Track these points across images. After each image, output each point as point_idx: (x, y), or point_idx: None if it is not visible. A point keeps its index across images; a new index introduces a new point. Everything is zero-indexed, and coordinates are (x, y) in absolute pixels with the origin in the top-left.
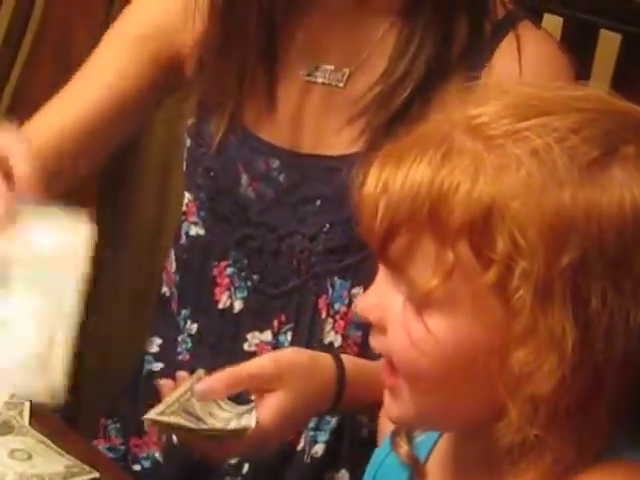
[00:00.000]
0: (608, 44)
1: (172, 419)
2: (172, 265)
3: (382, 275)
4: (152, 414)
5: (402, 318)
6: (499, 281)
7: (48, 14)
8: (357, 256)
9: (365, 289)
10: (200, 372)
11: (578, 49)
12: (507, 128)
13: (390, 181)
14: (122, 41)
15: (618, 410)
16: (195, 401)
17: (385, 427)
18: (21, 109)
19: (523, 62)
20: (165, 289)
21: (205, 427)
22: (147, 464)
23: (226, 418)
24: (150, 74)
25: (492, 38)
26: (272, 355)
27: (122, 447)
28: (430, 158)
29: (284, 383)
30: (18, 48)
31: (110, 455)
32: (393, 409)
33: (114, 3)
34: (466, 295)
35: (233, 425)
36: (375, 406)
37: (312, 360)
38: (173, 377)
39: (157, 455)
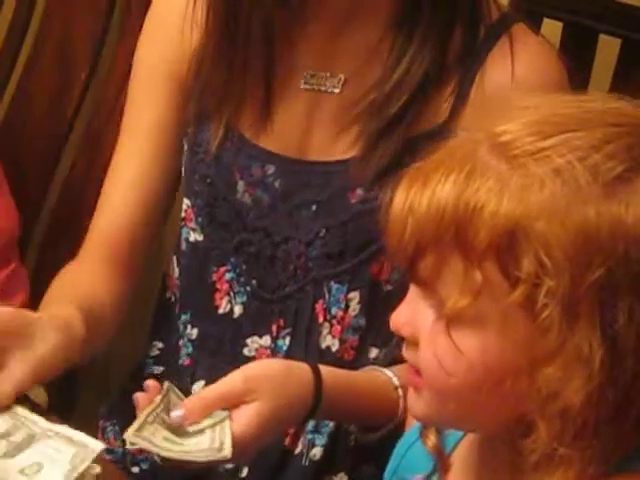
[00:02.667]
0: (607, 49)
1: (147, 442)
2: (174, 270)
3: (413, 291)
4: (130, 433)
5: (434, 334)
6: (526, 300)
7: (49, 15)
8: (353, 261)
9: (361, 293)
10: (167, 384)
11: (577, 54)
12: (529, 147)
13: (416, 203)
14: (148, 86)
15: None
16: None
17: (410, 420)
18: (22, 110)
19: (515, 66)
20: (169, 294)
21: (177, 456)
22: (145, 466)
23: (202, 428)
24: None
25: (485, 42)
26: (244, 370)
27: (120, 449)
28: (455, 178)
29: (259, 395)
30: (19, 49)
31: (108, 457)
32: (416, 408)
33: (115, 5)
34: (494, 314)
35: (207, 455)
36: (352, 417)
37: (287, 369)
38: (171, 380)
39: (155, 457)
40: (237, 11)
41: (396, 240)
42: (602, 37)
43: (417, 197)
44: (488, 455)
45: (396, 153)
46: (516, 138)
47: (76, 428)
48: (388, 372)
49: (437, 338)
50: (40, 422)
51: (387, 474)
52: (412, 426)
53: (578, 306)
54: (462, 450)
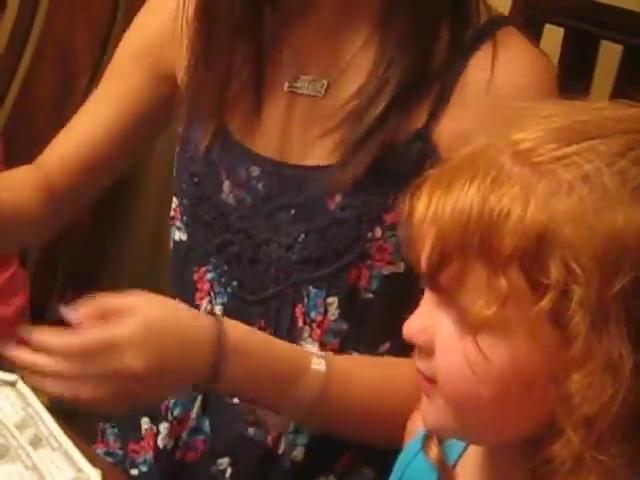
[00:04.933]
0: (609, 55)
1: None
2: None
3: (428, 298)
4: None
5: (454, 343)
6: (554, 307)
7: (51, 18)
8: (331, 267)
9: (339, 299)
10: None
11: (579, 60)
12: (554, 154)
13: (439, 209)
14: (122, 62)
15: None
16: None
17: (411, 429)
18: (24, 113)
19: (496, 71)
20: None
21: None
22: (144, 468)
23: None
24: (152, 89)
25: (470, 46)
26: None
27: (120, 452)
28: (479, 184)
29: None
30: (21, 52)
31: (108, 460)
32: (429, 417)
33: (118, 8)
34: (522, 322)
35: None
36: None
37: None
38: None
39: (152, 459)
40: (224, 13)
41: (419, 248)
42: (604, 43)
43: (440, 204)
44: (499, 467)
45: (375, 160)
46: (538, 145)
47: (77, 430)
48: (316, 360)
49: (462, 347)
50: (49, 423)
51: None
52: (413, 436)
53: (606, 313)
54: (467, 461)
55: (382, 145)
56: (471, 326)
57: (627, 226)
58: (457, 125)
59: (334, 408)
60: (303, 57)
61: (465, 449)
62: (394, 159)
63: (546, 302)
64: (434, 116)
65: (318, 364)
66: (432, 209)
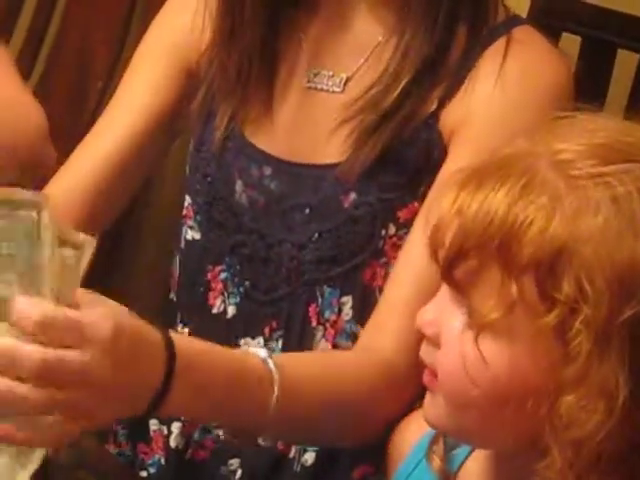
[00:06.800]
0: (625, 64)
1: None
2: (176, 270)
3: (444, 292)
4: None
5: (458, 340)
6: (560, 323)
7: (68, 19)
8: (346, 266)
9: (354, 298)
10: None
11: (595, 69)
12: (590, 170)
13: (465, 205)
14: (151, 55)
15: None
16: None
17: (399, 445)
18: None
19: (506, 61)
20: (172, 295)
21: None
22: (153, 470)
23: None
24: (182, 84)
25: (486, 39)
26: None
27: (130, 453)
28: (509, 188)
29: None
30: (38, 53)
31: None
32: (430, 412)
33: (135, 9)
34: (526, 331)
35: None
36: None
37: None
38: None
39: (162, 461)
40: (243, 8)
41: (440, 239)
42: (620, 52)
43: (468, 200)
44: (496, 475)
45: (385, 149)
46: (577, 158)
47: (92, 432)
48: (270, 362)
49: (463, 345)
50: None
51: None
52: (402, 450)
53: (610, 338)
54: (468, 469)
55: (393, 134)
56: (476, 325)
57: None
58: (459, 111)
59: (293, 408)
60: (321, 53)
61: (465, 458)
62: (403, 149)
63: (553, 316)
64: (442, 105)
65: (268, 363)
66: (458, 203)
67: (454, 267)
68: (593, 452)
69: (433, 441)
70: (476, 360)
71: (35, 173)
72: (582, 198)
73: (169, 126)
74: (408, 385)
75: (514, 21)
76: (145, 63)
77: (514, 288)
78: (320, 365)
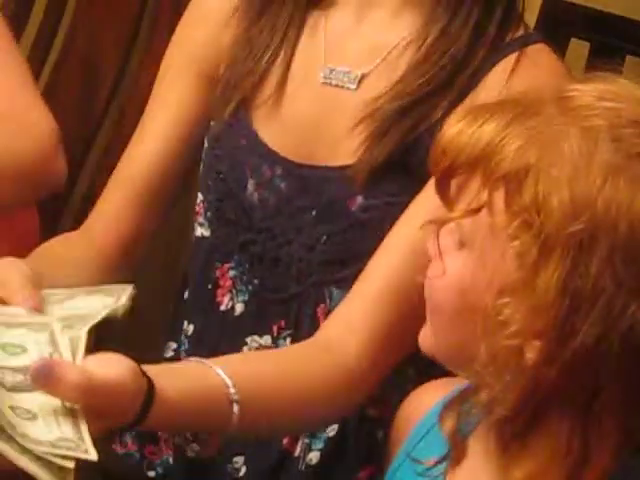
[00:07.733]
0: (634, 70)
1: None
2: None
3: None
4: None
5: (437, 256)
6: (515, 232)
7: (77, 21)
8: (354, 268)
9: None
10: None
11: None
12: (584, 103)
13: (464, 129)
14: (175, 68)
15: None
16: None
17: (410, 414)
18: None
19: (511, 83)
20: (187, 294)
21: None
22: (161, 470)
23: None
24: (203, 100)
25: (497, 55)
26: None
27: (137, 454)
28: (502, 118)
29: None
30: (46, 55)
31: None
32: (421, 337)
33: (144, 12)
34: (483, 237)
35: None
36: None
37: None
38: None
39: (170, 461)
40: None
41: (437, 157)
42: (629, 58)
43: (465, 127)
44: (493, 441)
45: (391, 155)
46: (580, 95)
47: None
48: (228, 382)
49: (437, 258)
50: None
51: (401, 456)
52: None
53: (553, 251)
54: (478, 435)
55: (400, 140)
56: (439, 221)
57: (602, 188)
58: None
59: (254, 421)
60: (342, 48)
61: (474, 427)
62: (408, 154)
63: (512, 227)
64: (447, 113)
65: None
66: (457, 128)
67: (446, 180)
68: (530, 374)
69: (447, 405)
70: (438, 271)
71: (47, 181)
72: (563, 130)
73: (204, 131)
74: (362, 387)
75: (530, 38)
76: (172, 76)
77: (485, 194)
78: (280, 372)
